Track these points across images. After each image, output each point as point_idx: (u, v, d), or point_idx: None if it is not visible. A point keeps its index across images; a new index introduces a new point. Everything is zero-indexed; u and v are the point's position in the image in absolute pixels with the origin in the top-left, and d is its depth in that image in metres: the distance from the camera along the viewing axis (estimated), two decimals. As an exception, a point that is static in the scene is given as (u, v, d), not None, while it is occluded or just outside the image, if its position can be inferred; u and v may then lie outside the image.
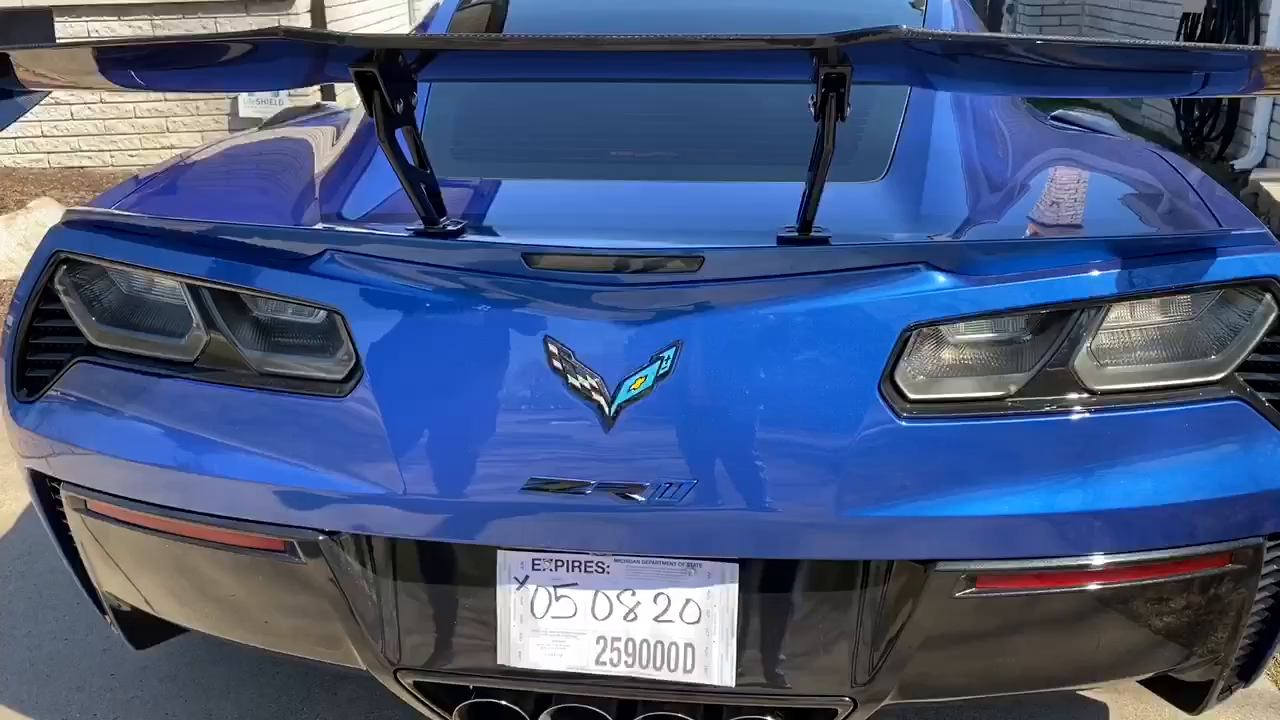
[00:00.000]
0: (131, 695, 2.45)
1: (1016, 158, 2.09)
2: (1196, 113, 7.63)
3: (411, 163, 1.64)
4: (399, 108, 1.50)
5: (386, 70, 1.44)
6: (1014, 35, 1.30)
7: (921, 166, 1.97)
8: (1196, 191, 1.91)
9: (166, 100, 7.04)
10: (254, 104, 6.88)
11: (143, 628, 2.09)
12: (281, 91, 6.65)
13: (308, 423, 1.69)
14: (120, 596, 2.02)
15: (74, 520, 1.92)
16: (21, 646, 2.61)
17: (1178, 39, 7.92)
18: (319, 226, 1.77)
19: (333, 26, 7.25)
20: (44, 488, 1.95)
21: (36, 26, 6.48)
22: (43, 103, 6.86)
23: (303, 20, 6.96)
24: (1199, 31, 7.70)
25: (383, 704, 2.32)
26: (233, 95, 6.94)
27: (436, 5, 2.69)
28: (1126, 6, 9.59)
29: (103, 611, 2.08)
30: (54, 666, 2.53)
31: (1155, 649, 1.74)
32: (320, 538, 1.71)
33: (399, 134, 1.60)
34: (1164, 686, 1.95)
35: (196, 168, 2.23)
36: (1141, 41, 1.41)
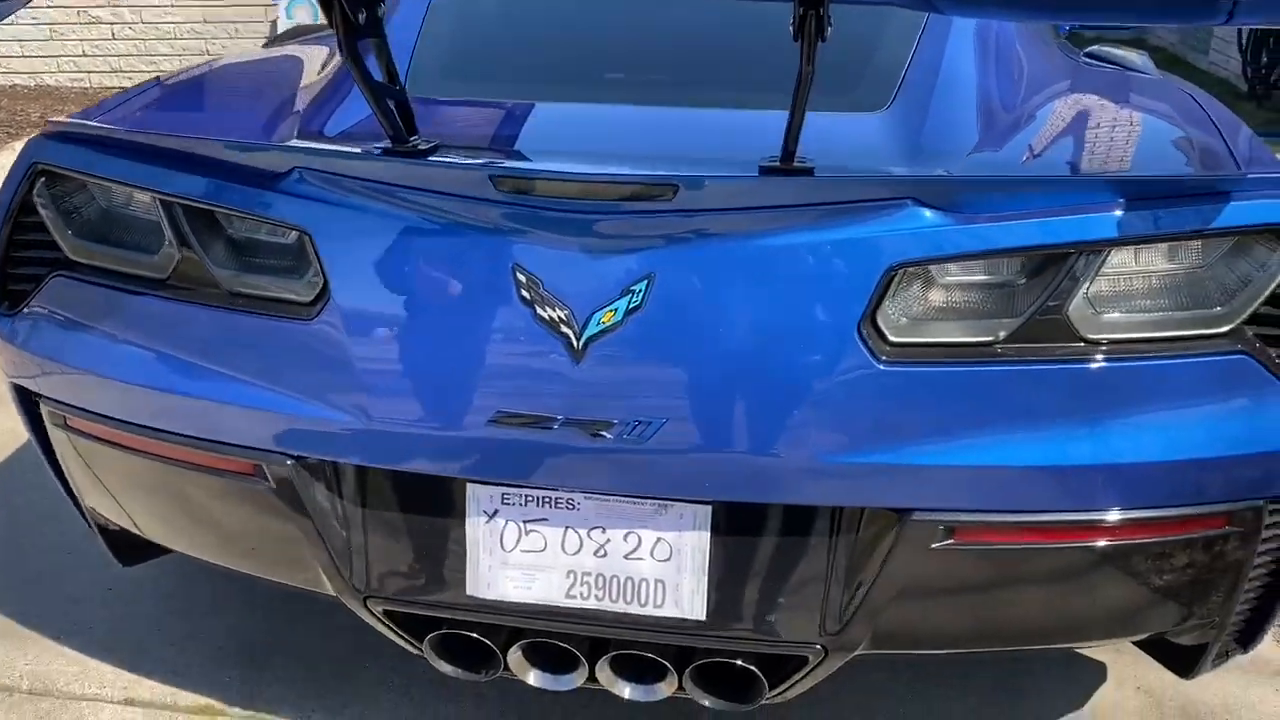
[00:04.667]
0: (127, 609, 2.48)
1: (1035, 94, 1.98)
2: (1265, 59, 7.31)
3: (380, 79, 1.58)
4: (361, 18, 1.44)
5: None
6: None
7: (929, 98, 1.87)
8: (1221, 133, 1.79)
9: (206, 23, 7.00)
10: (293, 25, 6.82)
11: (128, 544, 2.10)
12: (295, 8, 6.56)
13: (276, 345, 1.65)
14: (103, 513, 2.02)
15: (55, 436, 1.92)
16: (24, 556, 2.65)
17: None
18: (288, 143, 1.72)
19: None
20: (28, 402, 1.95)
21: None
22: (84, 20, 6.86)
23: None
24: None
25: (369, 628, 2.32)
26: (272, 17, 6.88)
27: None
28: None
29: (90, 526, 2.09)
30: (53, 578, 2.57)
31: (1145, 611, 1.68)
32: (288, 463, 1.69)
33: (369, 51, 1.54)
34: (1158, 649, 1.89)
35: (185, 85, 2.18)
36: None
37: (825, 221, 1.49)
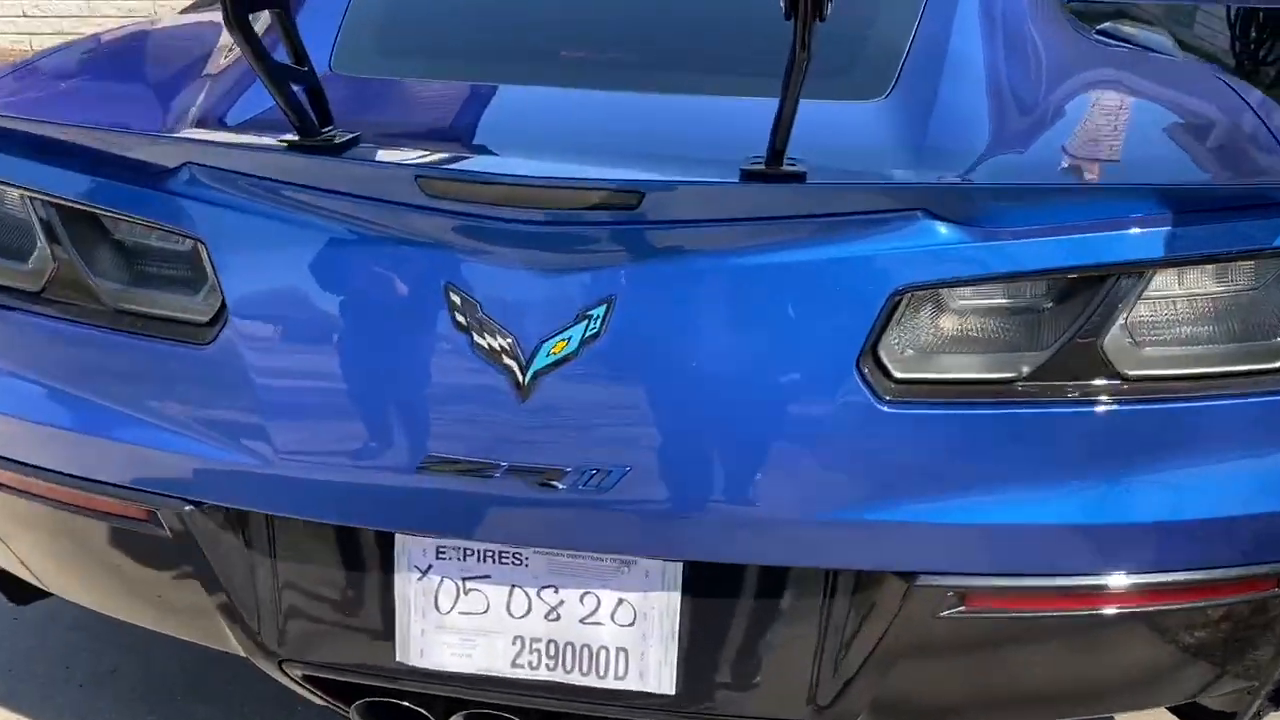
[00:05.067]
0: (33, 643, 2.23)
1: (1051, 79, 1.73)
2: (1254, 34, 7.11)
3: (283, 59, 1.31)
4: None
5: None
6: None
7: (935, 85, 1.62)
8: (1270, 128, 1.55)
9: (154, -17, 6.62)
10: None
11: (19, 582, 1.84)
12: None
13: (168, 372, 1.40)
14: (-13, 553, 1.76)
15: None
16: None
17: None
18: (179, 134, 1.45)
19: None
20: None
21: None
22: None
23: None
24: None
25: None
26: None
27: None
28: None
29: (-25, 563, 1.83)
30: (-50, 609, 2.31)
31: (1179, 678, 1.46)
32: (186, 508, 1.44)
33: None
34: (1184, 711, 1.68)
35: (72, 59, 1.89)
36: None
37: (820, 237, 1.25)
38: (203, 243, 1.34)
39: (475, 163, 1.32)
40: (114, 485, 1.47)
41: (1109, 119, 1.59)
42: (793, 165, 1.25)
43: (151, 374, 1.41)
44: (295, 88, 1.29)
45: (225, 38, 1.90)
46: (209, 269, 1.35)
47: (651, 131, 1.52)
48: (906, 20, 1.75)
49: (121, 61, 1.96)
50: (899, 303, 1.26)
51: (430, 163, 1.28)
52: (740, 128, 1.49)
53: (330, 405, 1.35)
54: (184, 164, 1.35)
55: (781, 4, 1.12)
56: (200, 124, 1.49)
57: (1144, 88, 1.82)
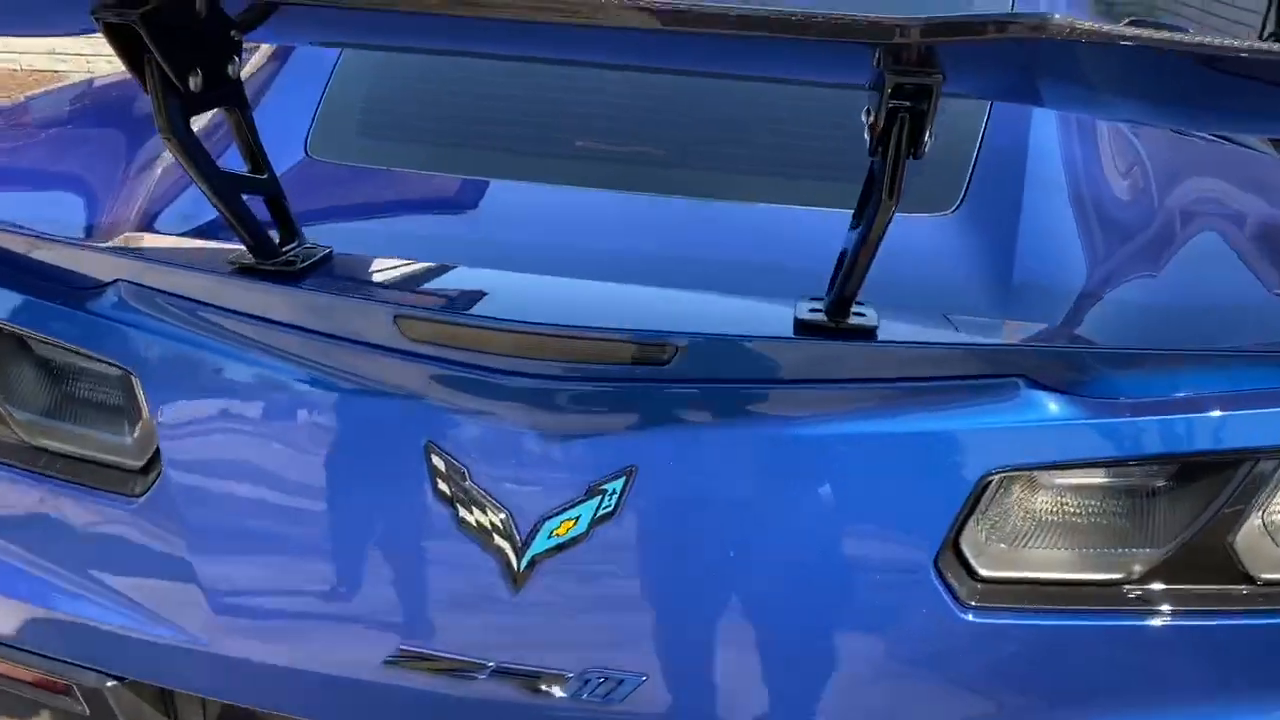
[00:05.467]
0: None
1: (1156, 189, 1.46)
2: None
3: (237, 166, 1.07)
4: (195, 83, 0.92)
5: (159, 20, 0.86)
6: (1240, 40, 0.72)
7: (1012, 191, 1.37)
8: None
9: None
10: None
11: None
12: None
13: (93, 525, 1.16)
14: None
15: None
16: None
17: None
18: (112, 243, 1.20)
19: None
20: None
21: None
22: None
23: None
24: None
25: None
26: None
27: None
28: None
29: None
30: None
31: None
32: (109, 683, 1.19)
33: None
34: None
35: (16, 127, 1.63)
36: None
37: (893, 405, 1.01)
38: (133, 375, 1.10)
39: (465, 298, 1.07)
40: (26, 650, 1.23)
41: (1240, 250, 1.33)
42: (860, 315, 1.01)
43: (71, 525, 1.17)
44: (251, 198, 1.04)
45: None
46: (142, 406, 1.11)
47: (684, 253, 1.26)
48: (972, 112, 1.51)
49: (48, 136, 1.66)
50: (988, 486, 1.01)
51: (411, 299, 1.04)
52: (795, 248, 1.25)
53: (282, 579, 1.11)
54: (115, 280, 1.11)
55: (865, 135, 0.88)
56: (141, 225, 1.24)
57: (1269, 204, 1.54)
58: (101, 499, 1.14)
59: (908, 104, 0.82)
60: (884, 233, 0.90)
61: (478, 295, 1.09)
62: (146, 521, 1.13)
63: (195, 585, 1.11)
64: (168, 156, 1.39)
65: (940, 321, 1.09)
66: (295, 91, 1.53)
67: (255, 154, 1.05)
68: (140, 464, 1.14)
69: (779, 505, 1.02)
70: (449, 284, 1.13)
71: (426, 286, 1.11)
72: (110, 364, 1.12)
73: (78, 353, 1.14)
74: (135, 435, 1.14)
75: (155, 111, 0.90)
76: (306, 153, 1.44)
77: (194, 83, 0.92)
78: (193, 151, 0.94)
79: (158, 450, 1.11)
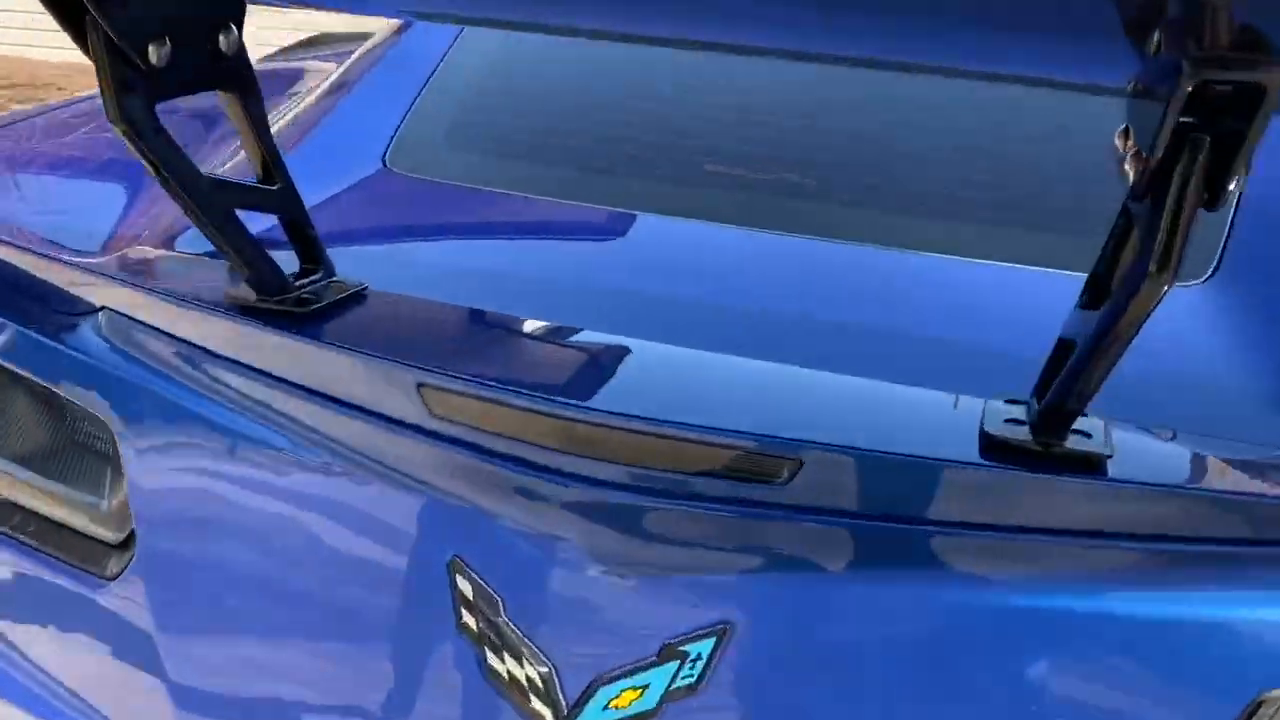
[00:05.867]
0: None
1: None
2: None
3: (245, 176, 0.82)
4: (158, 55, 0.67)
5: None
6: None
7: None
8: None
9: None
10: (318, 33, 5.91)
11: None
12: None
13: (56, 604, 0.93)
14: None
15: None
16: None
17: None
18: (101, 259, 0.97)
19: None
20: None
21: None
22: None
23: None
24: None
25: None
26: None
27: None
28: None
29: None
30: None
31: None
32: None
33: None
34: None
35: (23, 140, 1.42)
36: None
37: (1125, 578, 0.67)
38: (109, 426, 0.87)
39: (520, 365, 0.80)
40: None
41: None
42: (1083, 435, 0.68)
43: (34, 606, 0.95)
44: (245, 239, 0.78)
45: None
46: (117, 466, 0.88)
47: (828, 316, 0.93)
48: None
49: (42, 143, 1.44)
50: (1260, 706, 0.67)
51: (449, 362, 0.75)
52: (988, 321, 0.92)
53: (265, 704, 0.85)
54: (101, 308, 0.88)
55: (1124, 168, 0.56)
56: (153, 239, 1.00)
57: None
58: (68, 575, 0.92)
59: (1212, 117, 0.50)
60: (1145, 318, 0.58)
61: (538, 362, 0.81)
62: (116, 611, 0.90)
63: (166, 690, 0.87)
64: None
65: (1204, 446, 0.75)
66: (386, 92, 1.29)
67: (266, 159, 0.80)
68: (118, 538, 0.91)
69: (931, 704, 0.70)
70: (504, 344, 0.85)
71: (474, 344, 0.84)
72: (86, 410, 0.89)
73: (53, 391, 0.92)
74: (115, 501, 0.91)
75: (101, 90, 0.65)
76: (384, 164, 1.19)
77: (158, 55, 0.67)
78: (156, 147, 0.69)
79: (134, 531, 0.88)
